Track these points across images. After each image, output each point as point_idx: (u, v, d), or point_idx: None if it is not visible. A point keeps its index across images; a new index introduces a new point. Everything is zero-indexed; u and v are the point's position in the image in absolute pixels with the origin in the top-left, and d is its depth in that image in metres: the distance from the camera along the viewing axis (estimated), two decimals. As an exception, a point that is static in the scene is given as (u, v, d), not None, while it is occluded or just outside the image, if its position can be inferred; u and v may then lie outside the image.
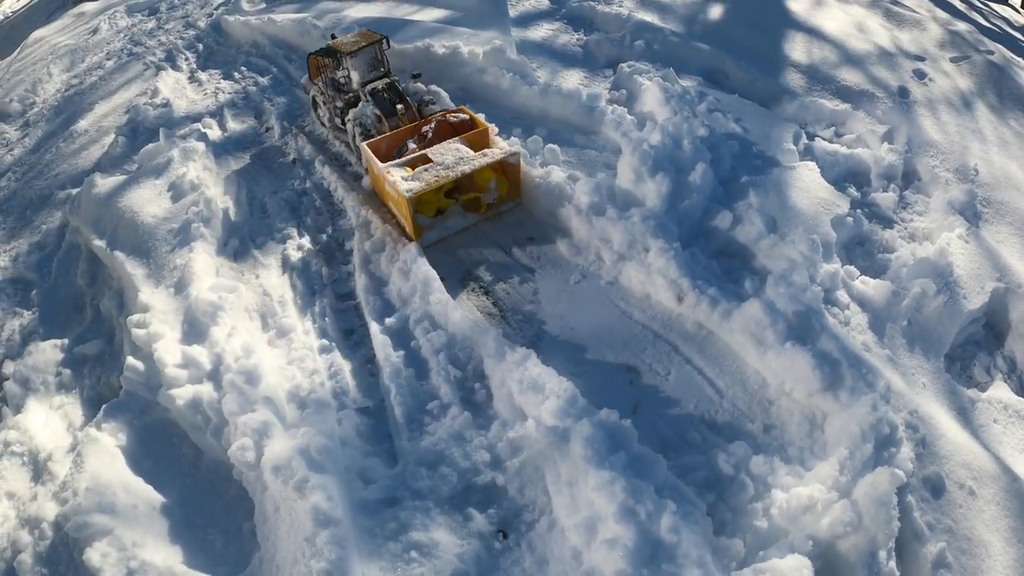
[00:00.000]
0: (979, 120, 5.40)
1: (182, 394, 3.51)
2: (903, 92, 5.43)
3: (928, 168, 4.75)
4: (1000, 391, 3.44)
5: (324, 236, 4.58)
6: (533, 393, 3.10)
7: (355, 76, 4.93)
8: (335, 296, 4.09)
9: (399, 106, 4.80)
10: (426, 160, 4.16)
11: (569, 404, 3.02)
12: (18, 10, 15.25)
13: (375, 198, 4.64)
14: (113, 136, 6.49)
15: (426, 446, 3.15)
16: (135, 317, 4.03)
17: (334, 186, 4.94)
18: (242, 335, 3.74)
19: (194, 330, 3.87)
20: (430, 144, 4.35)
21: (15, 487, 3.56)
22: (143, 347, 3.84)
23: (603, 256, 3.87)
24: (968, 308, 3.69)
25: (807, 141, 4.76)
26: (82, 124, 7.30)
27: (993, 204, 4.56)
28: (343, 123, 5.08)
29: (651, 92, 4.91)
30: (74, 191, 5.88)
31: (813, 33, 6.11)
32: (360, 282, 4.03)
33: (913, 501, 2.76)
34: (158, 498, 3.23)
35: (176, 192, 4.99)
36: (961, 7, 7.58)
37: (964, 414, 3.24)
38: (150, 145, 5.75)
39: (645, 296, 3.70)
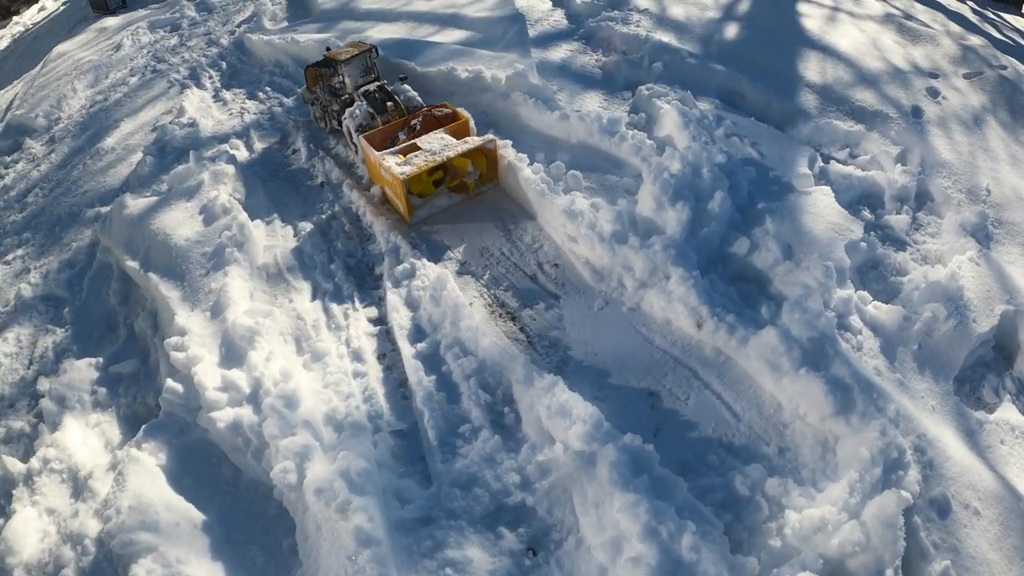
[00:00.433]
0: (991, 139, 5.50)
1: (222, 417, 3.67)
2: (916, 112, 5.53)
3: (941, 189, 4.86)
4: (1008, 412, 3.56)
5: (354, 260, 4.77)
6: (561, 418, 3.27)
7: (349, 81, 5.65)
8: (367, 320, 4.27)
9: (389, 104, 5.39)
10: (416, 148, 4.83)
11: (595, 429, 3.19)
12: (39, 22, 15.54)
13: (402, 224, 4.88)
14: (140, 155, 6.67)
15: (459, 468, 3.32)
16: (173, 340, 4.19)
17: (362, 210, 5.12)
18: (279, 359, 3.93)
19: (232, 354, 4.05)
20: (418, 135, 5.03)
21: (55, 503, 3.71)
22: (181, 370, 4.01)
23: (625, 283, 4.03)
24: (978, 331, 3.80)
25: (822, 164, 4.87)
26: (108, 141, 7.50)
27: (1004, 224, 4.67)
28: (339, 124, 5.77)
29: (670, 116, 5.06)
30: (103, 209, 6.07)
31: (827, 51, 6.21)
32: (391, 307, 4.20)
33: (919, 521, 2.90)
34: (199, 516, 3.38)
35: (208, 215, 5.18)
36: (974, 19, 7.65)
37: (971, 436, 3.37)
38: (180, 167, 5.94)
39: (666, 322, 3.86)
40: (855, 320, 3.72)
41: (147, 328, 4.75)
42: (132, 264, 5.07)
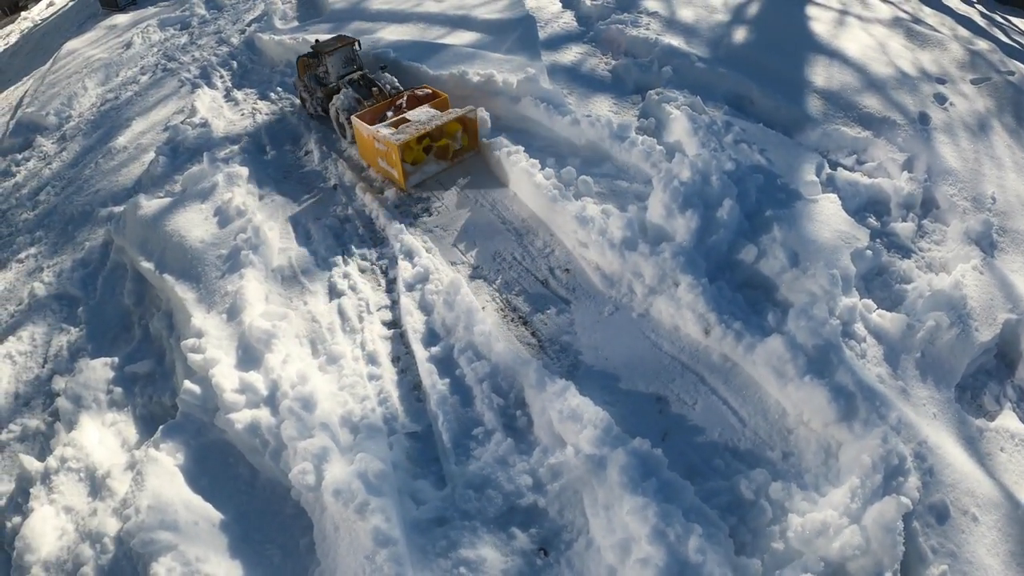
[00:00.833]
0: (997, 145, 5.54)
1: (240, 418, 3.76)
2: (923, 118, 5.58)
3: (946, 197, 4.91)
4: (1008, 420, 3.63)
5: (368, 263, 4.86)
6: (572, 422, 3.36)
7: (332, 71, 6.21)
8: (381, 323, 4.35)
9: (374, 89, 6.00)
10: (405, 121, 5.38)
11: (605, 433, 3.29)
12: (47, 18, 15.59)
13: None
14: (152, 155, 6.75)
15: (473, 470, 3.42)
16: (190, 342, 4.28)
17: (375, 213, 5.20)
18: (296, 362, 4.02)
19: (249, 356, 4.14)
20: (403, 112, 5.59)
21: (73, 502, 3.80)
22: (199, 371, 4.10)
23: (635, 289, 4.11)
24: (980, 340, 3.87)
25: (829, 171, 4.93)
26: (120, 141, 7.57)
27: (1009, 233, 4.73)
28: (324, 110, 6.40)
29: (679, 122, 5.12)
30: (116, 209, 6.15)
31: (835, 56, 6.25)
32: (405, 310, 4.29)
33: (918, 526, 2.99)
34: (217, 515, 3.47)
35: (222, 217, 5.27)
36: (982, 23, 7.66)
37: (972, 443, 3.44)
38: (194, 168, 6.01)
39: (674, 328, 3.94)
40: (859, 328, 3.79)
41: (162, 329, 4.83)
42: (147, 265, 5.15)
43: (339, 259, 4.91)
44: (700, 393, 3.69)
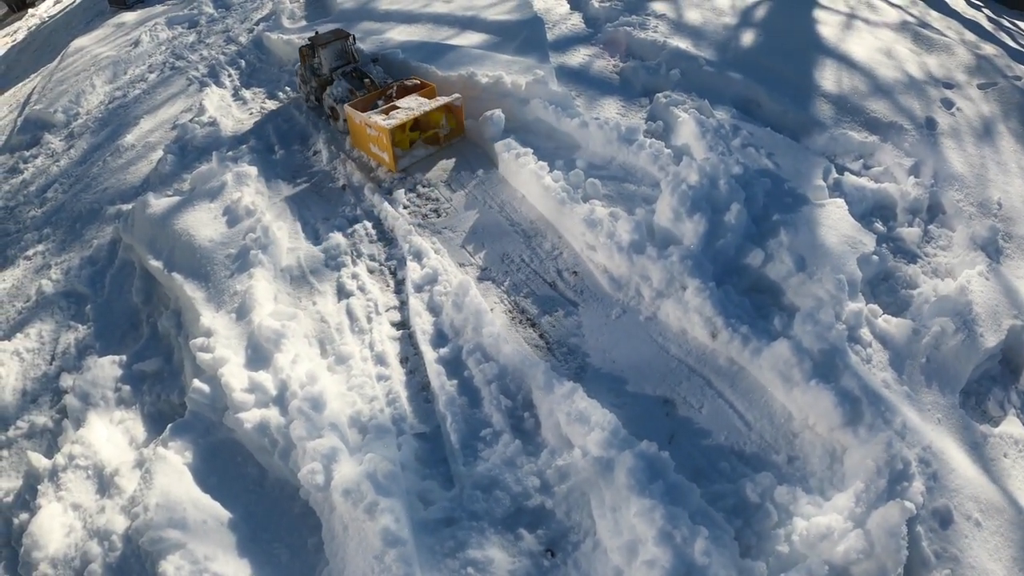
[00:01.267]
0: (1003, 151, 5.56)
1: (249, 418, 3.78)
2: (930, 123, 5.59)
3: (952, 202, 4.93)
4: (1012, 426, 3.66)
5: (377, 264, 4.89)
6: (579, 424, 3.39)
7: (325, 63, 6.46)
8: (389, 324, 4.38)
9: (366, 80, 6.32)
10: (394, 108, 5.70)
11: (613, 435, 3.31)
12: (55, 15, 15.64)
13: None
14: (161, 153, 6.79)
15: (481, 471, 3.45)
16: (198, 341, 4.30)
17: (384, 214, 5.23)
18: (305, 362, 4.05)
19: (258, 356, 4.17)
20: (393, 101, 5.88)
21: (81, 499, 3.82)
22: (208, 370, 4.13)
23: (643, 292, 4.14)
24: (985, 346, 3.89)
25: (836, 175, 4.95)
26: (128, 139, 7.60)
27: (1015, 238, 4.74)
28: (318, 100, 6.70)
29: (687, 126, 5.14)
30: (124, 207, 6.18)
31: (843, 60, 6.27)
32: (413, 311, 4.32)
33: (922, 531, 3.01)
34: (225, 514, 3.49)
35: (231, 217, 5.29)
36: (989, 27, 7.67)
37: (976, 449, 3.47)
38: (203, 167, 6.04)
39: (681, 332, 3.96)
40: (865, 333, 3.81)
41: (171, 327, 4.86)
42: (156, 264, 5.18)
43: (348, 259, 4.93)
44: (707, 396, 3.72)
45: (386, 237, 5.12)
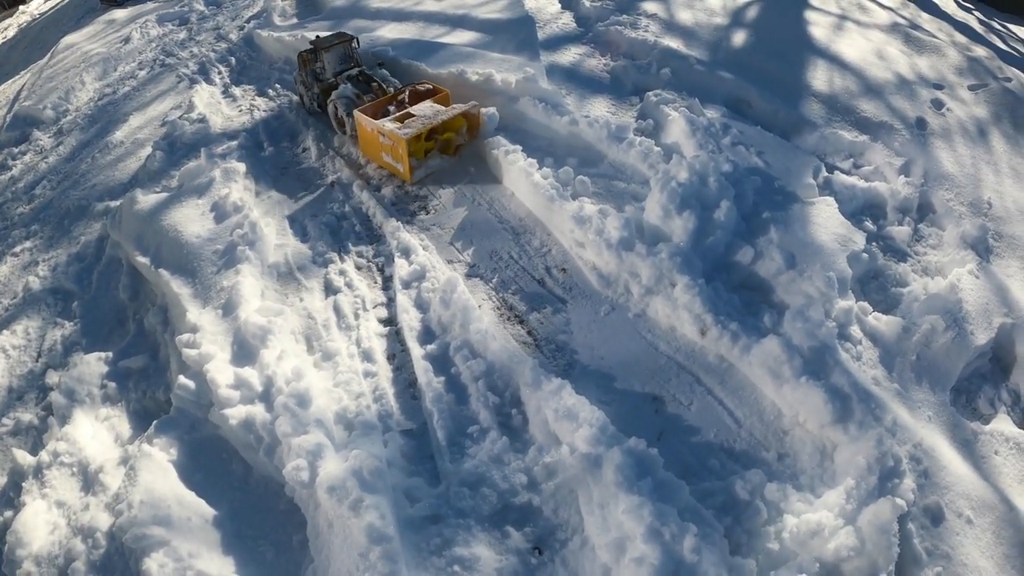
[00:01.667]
0: (994, 152, 5.56)
1: (235, 414, 3.73)
2: (921, 123, 5.59)
3: (943, 201, 4.92)
4: (1002, 424, 3.64)
5: (365, 261, 4.84)
6: (567, 421, 3.36)
7: (328, 67, 6.28)
8: (377, 321, 4.34)
9: (373, 83, 6.05)
10: (409, 115, 5.39)
11: (601, 432, 3.28)
12: (46, 12, 15.54)
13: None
14: (150, 150, 6.72)
15: (467, 468, 3.41)
16: (184, 337, 4.25)
17: (372, 211, 5.19)
18: (291, 358, 4.00)
19: (244, 352, 4.11)
20: (405, 107, 5.61)
21: (65, 496, 3.77)
22: (193, 366, 4.08)
23: (631, 289, 4.11)
24: (975, 344, 3.88)
25: (826, 174, 4.94)
26: (117, 135, 7.53)
27: (1004, 238, 4.74)
28: (320, 106, 6.42)
29: (677, 124, 5.13)
30: (112, 203, 6.12)
31: (834, 61, 6.27)
32: (401, 308, 4.27)
33: (913, 528, 2.99)
34: (210, 511, 3.45)
35: (219, 213, 5.24)
36: (980, 30, 7.69)
37: (967, 446, 3.45)
38: (191, 164, 5.99)
39: (670, 329, 3.94)
40: (855, 330, 3.80)
41: (157, 324, 4.80)
42: (143, 260, 5.12)
43: (335, 256, 4.89)
44: (696, 393, 3.69)
45: (374, 234, 5.08)
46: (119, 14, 12.02)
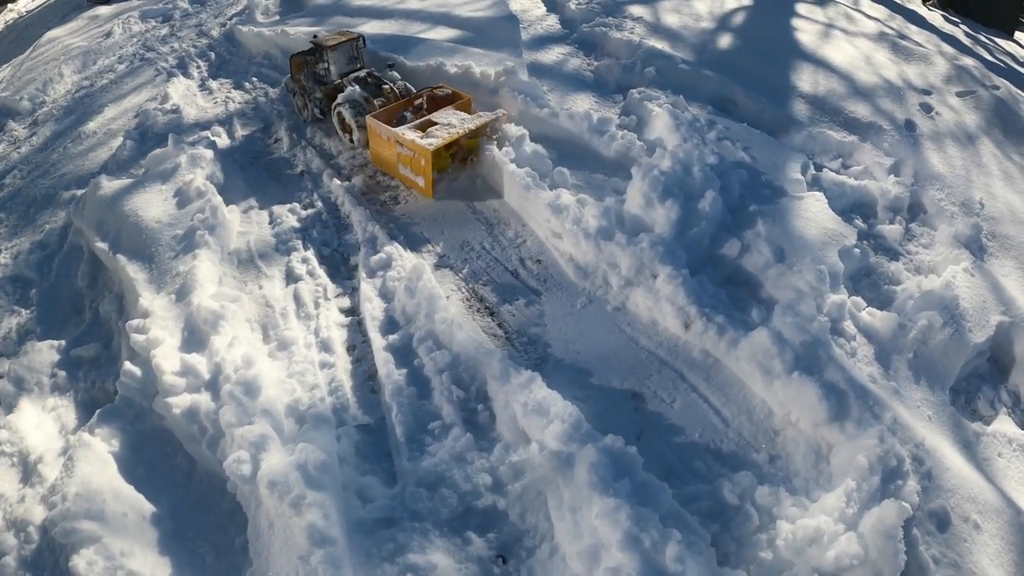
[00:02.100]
0: (984, 154, 5.44)
1: (179, 403, 3.47)
2: (909, 125, 5.47)
3: (934, 201, 4.77)
4: (1004, 425, 3.44)
5: (329, 250, 4.58)
6: (537, 416, 3.07)
7: (334, 68, 5.63)
8: (338, 310, 4.06)
9: (385, 87, 5.35)
10: (430, 123, 4.83)
11: (574, 429, 3.00)
12: (32, 10, 15.38)
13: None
14: (121, 139, 6.51)
15: (426, 467, 3.11)
16: (134, 322, 3.99)
17: (341, 200, 4.94)
18: (243, 345, 3.71)
19: (194, 338, 3.84)
20: (424, 114, 5.06)
21: (3, 488, 3.51)
22: (141, 353, 3.82)
23: (610, 281, 3.86)
24: (974, 342, 3.68)
25: (815, 172, 4.78)
26: (91, 126, 7.32)
27: (998, 238, 4.58)
28: (321, 112, 5.76)
29: (661, 119, 4.94)
30: (79, 192, 5.87)
31: (821, 65, 6.16)
32: (364, 297, 4.00)
33: (919, 534, 2.75)
34: (149, 508, 3.19)
35: (182, 198, 4.98)
36: (967, 42, 7.67)
37: (969, 447, 3.22)
38: (158, 150, 5.75)
39: (652, 322, 3.69)
40: (849, 326, 3.57)
41: (112, 311, 4.52)
42: (101, 245, 4.85)
43: (299, 244, 4.63)
44: (679, 390, 3.42)
45: (342, 223, 4.81)
46: (103, 10, 11.88)
